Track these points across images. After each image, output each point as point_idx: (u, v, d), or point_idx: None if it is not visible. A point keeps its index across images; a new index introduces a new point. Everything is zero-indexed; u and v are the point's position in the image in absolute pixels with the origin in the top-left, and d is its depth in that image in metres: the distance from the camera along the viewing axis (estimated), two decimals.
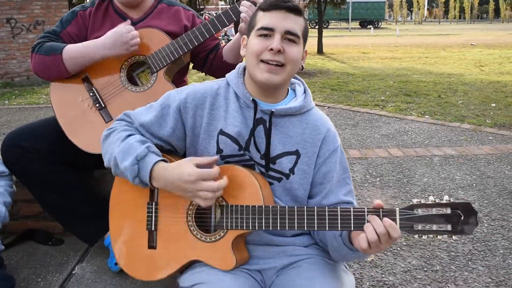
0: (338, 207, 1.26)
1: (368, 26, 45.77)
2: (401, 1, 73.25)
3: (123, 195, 1.48)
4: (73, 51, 1.82)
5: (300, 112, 1.43)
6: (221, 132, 1.41)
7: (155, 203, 1.43)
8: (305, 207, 1.28)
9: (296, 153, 1.42)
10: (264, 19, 1.34)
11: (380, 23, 50.20)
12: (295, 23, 1.34)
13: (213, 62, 2.07)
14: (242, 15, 1.80)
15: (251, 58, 1.37)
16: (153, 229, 1.44)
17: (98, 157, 1.84)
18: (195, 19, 2.06)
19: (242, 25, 1.83)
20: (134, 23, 1.95)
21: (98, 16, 1.95)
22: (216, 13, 2.16)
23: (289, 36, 1.33)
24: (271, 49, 1.31)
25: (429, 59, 13.88)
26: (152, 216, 1.44)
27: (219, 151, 1.41)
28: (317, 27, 15.26)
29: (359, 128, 5.45)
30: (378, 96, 7.45)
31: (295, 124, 1.43)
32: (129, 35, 1.80)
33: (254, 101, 1.39)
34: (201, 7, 25.90)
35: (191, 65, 2.20)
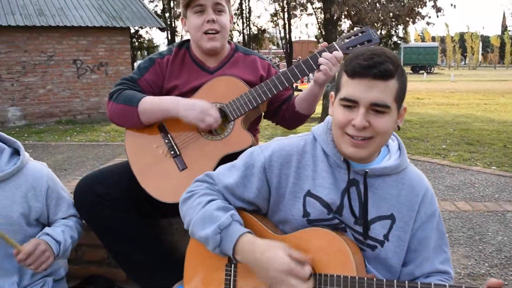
0: (432, 284, 1.11)
1: (421, 71, 45.13)
2: (454, 46, 72.19)
3: (200, 251, 1.40)
4: (148, 106, 1.81)
5: (396, 172, 1.30)
6: (309, 194, 1.31)
7: (234, 266, 1.34)
8: (406, 282, 1.13)
9: (391, 218, 1.28)
10: (348, 86, 1.19)
11: (432, 68, 49.40)
12: (383, 91, 1.16)
13: (285, 113, 2.01)
14: (322, 67, 1.74)
15: (335, 128, 1.26)
16: None
17: (167, 206, 1.80)
18: (270, 68, 2.03)
19: (320, 75, 1.76)
20: (211, 72, 1.93)
21: (175, 64, 1.95)
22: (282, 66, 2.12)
23: (376, 108, 1.17)
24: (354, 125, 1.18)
25: (489, 106, 13.36)
26: (230, 279, 1.34)
27: (305, 214, 1.31)
28: None
29: None
30: (438, 144, 7.16)
31: (391, 185, 1.30)
32: (209, 118, 1.76)
33: (346, 160, 1.28)
34: (255, 51, 26.64)
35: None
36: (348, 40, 1.82)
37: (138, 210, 1.86)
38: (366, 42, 1.80)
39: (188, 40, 2.03)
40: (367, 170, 1.27)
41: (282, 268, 1.16)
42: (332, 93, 1.31)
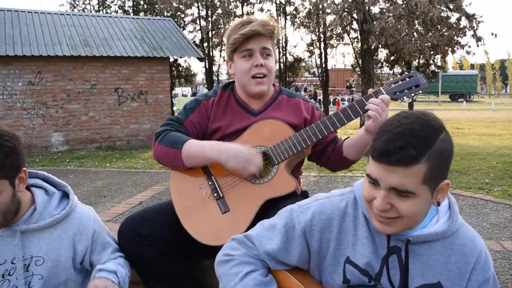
0: None
1: (460, 99, 44.12)
2: (494, 74, 70.38)
3: None
4: (192, 150, 1.83)
5: (443, 237, 1.22)
6: (348, 261, 1.26)
7: None
8: None
9: (438, 286, 1.21)
10: (370, 164, 1.12)
11: (472, 97, 48.24)
12: (405, 177, 1.05)
13: (330, 156, 1.98)
14: (371, 113, 1.71)
15: (364, 201, 1.20)
16: None
17: (210, 248, 1.79)
18: (314, 111, 2.02)
19: (370, 122, 1.73)
20: (255, 114, 1.95)
21: (220, 106, 1.98)
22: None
23: (398, 191, 1.09)
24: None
25: None
26: None
27: (345, 281, 1.26)
28: None
29: (463, 214, 5.01)
30: (481, 178, 6.90)
31: (437, 251, 1.21)
32: (252, 167, 1.76)
33: None
34: (291, 79, 26.82)
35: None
36: (395, 85, 1.80)
37: (181, 250, 1.86)
38: (413, 87, 1.78)
39: (232, 82, 2.06)
40: (409, 238, 1.20)
41: None
42: None
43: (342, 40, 19.55)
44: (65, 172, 8.34)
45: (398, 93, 1.78)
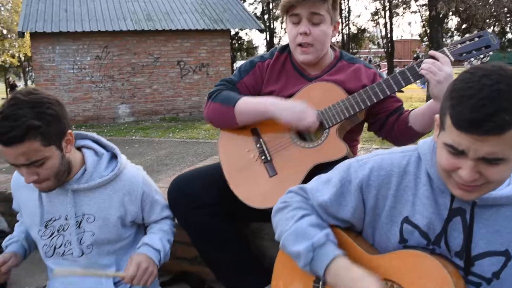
0: None
1: None
2: None
3: (289, 263, 1.34)
4: (245, 106, 1.78)
5: None
6: (407, 221, 1.17)
7: (322, 283, 1.26)
8: None
9: (506, 254, 1.10)
10: (452, 134, 0.97)
11: None
12: (497, 145, 0.93)
13: (393, 126, 1.80)
14: (423, 71, 1.58)
15: (439, 168, 1.07)
16: None
17: (258, 212, 1.76)
18: (376, 78, 1.84)
19: (431, 86, 1.58)
20: (310, 79, 1.85)
21: (275, 69, 1.89)
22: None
23: (487, 160, 0.96)
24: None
25: None
26: None
27: (402, 240, 1.18)
28: None
29: None
30: None
31: (507, 217, 1.10)
32: (307, 120, 1.68)
33: None
34: (354, 51, 26.02)
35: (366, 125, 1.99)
36: (461, 46, 1.62)
37: (229, 212, 1.85)
38: (483, 48, 1.60)
39: None
40: (475, 200, 1.09)
41: None
42: (437, 116, 1.08)
43: (409, 8, 18.57)
44: (131, 141, 8.69)
45: (465, 54, 1.61)
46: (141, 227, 1.79)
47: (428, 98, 5.31)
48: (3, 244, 1.83)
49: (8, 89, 29.94)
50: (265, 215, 1.82)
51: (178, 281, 2.21)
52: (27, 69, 34.71)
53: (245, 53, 30.66)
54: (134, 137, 9.38)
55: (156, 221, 1.74)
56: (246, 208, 1.75)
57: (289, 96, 1.82)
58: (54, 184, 1.48)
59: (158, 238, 1.67)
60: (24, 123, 1.30)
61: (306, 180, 1.62)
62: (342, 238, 1.27)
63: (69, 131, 1.47)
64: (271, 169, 1.74)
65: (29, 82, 34.66)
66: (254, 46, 34.54)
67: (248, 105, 1.78)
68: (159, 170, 5.84)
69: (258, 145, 1.80)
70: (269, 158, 1.76)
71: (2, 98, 30.44)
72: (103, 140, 1.70)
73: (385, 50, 23.13)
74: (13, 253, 1.75)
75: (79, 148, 1.62)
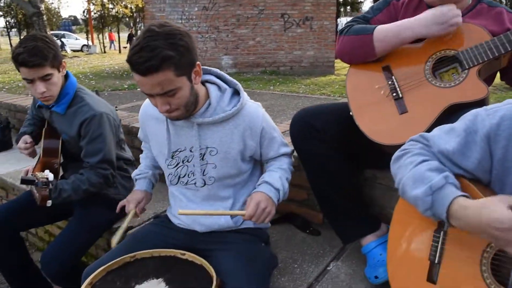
0: None
1: None
2: None
3: (409, 211, 1.30)
4: (385, 31, 1.71)
5: None
6: None
7: (443, 233, 1.21)
8: None
9: None
10: None
11: None
12: None
13: None
14: None
15: None
16: (436, 261, 1.24)
17: (377, 157, 1.72)
18: None
19: None
20: None
21: (410, 8, 1.80)
22: None
23: None
24: None
25: None
26: (437, 246, 1.22)
27: None
28: None
29: None
30: None
31: None
32: (450, 13, 1.59)
33: None
34: (502, 4, 23.64)
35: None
36: None
37: (348, 154, 1.83)
38: None
39: None
40: None
41: (505, 226, 0.99)
42: None
43: None
44: None
45: None
46: (258, 164, 1.84)
47: None
48: (133, 175, 2.02)
49: (127, 39, 32.08)
50: (384, 161, 1.78)
51: (285, 221, 2.27)
52: (137, 20, 36.63)
53: (349, 8, 29.40)
54: None
55: (274, 158, 1.78)
56: (367, 153, 1.73)
57: (423, 37, 1.73)
58: (183, 114, 1.56)
59: (278, 177, 1.70)
60: (160, 54, 1.36)
61: (437, 121, 1.55)
62: (466, 186, 1.19)
63: (198, 62, 1.52)
64: (402, 106, 1.68)
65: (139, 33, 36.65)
66: (360, 1, 32.95)
67: (388, 30, 1.72)
68: None
69: (389, 82, 1.74)
70: (400, 95, 1.69)
71: (124, 47, 32.67)
72: (226, 75, 1.74)
73: None
74: (145, 192, 1.92)
75: (203, 83, 1.68)
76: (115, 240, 1.69)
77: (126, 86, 10.74)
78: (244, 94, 1.70)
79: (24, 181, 1.86)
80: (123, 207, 1.92)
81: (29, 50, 1.88)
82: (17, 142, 2.33)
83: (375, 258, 1.73)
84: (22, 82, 12.42)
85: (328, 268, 1.86)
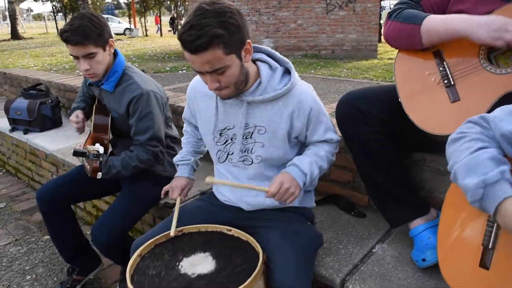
0: None
1: None
2: None
3: (461, 198, 1.26)
4: (434, 23, 1.62)
5: None
6: None
7: (497, 224, 1.17)
8: None
9: None
10: None
11: None
12: None
13: None
14: None
15: None
16: (490, 247, 1.20)
17: (427, 141, 1.66)
18: None
19: None
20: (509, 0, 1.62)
21: None
22: None
23: None
24: None
25: None
26: (492, 232, 1.19)
27: None
28: None
29: None
30: None
31: None
32: (508, 34, 1.46)
33: None
34: None
35: None
36: None
37: (395, 137, 1.78)
38: None
39: None
40: None
41: None
42: None
43: None
44: None
45: None
46: (304, 146, 1.82)
47: None
48: (174, 160, 2.05)
49: (170, 22, 32.46)
50: (432, 146, 1.72)
51: (329, 202, 2.26)
52: (178, 3, 36.88)
53: None
54: None
55: (317, 142, 1.76)
56: (416, 136, 1.67)
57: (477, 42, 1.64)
58: (233, 92, 1.56)
59: (308, 162, 1.67)
60: (209, 32, 1.36)
61: (492, 110, 1.48)
62: None
63: (248, 40, 1.51)
64: (454, 94, 1.60)
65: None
66: None
67: (437, 22, 1.62)
68: None
69: (441, 68, 1.66)
70: (452, 83, 1.62)
71: (169, 31, 33.06)
72: (277, 54, 1.72)
73: None
74: (187, 179, 1.97)
75: (253, 62, 1.66)
76: (172, 231, 1.71)
77: (168, 69, 10.91)
78: (295, 74, 1.67)
79: (76, 153, 1.93)
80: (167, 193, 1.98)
81: (73, 28, 1.93)
82: (69, 116, 2.42)
83: (423, 241, 1.69)
84: (69, 64, 12.83)
85: (374, 250, 1.84)
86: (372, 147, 1.75)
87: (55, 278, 2.61)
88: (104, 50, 2.06)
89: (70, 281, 2.44)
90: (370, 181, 1.85)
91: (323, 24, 12.64)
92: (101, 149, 1.94)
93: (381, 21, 15.71)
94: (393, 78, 1.78)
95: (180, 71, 10.58)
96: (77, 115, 2.36)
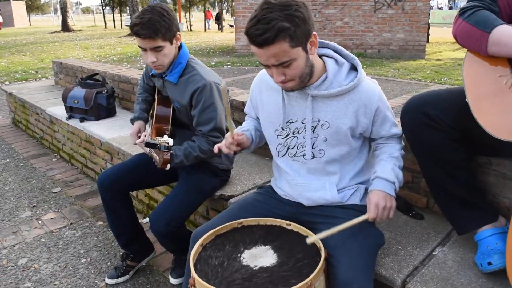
0: None
1: None
2: None
3: None
4: (503, 37, 1.54)
5: None
6: None
7: None
8: None
9: None
10: None
11: None
12: None
13: None
14: None
15: None
16: None
17: (496, 147, 1.60)
18: None
19: None
20: None
21: None
22: None
23: None
24: None
25: None
26: None
27: None
28: None
29: None
30: None
31: None
32: None
33: None
34: None
35: None
36: None
37: (463, 141, 1.72)
38: None
39: None
40: None
41: None
42: None
43: None
44: None
45: None
46: (366, 141, 1.80)
47: None
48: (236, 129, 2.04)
49: (215, 18, 32.83)
50: (500, 151, 1.65)
51: None
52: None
53: None
54: None
55: (384, 138, 1.74)
56: (484, 141, 1.61)
57: None
58: (298, 85, 1.56)
59: (390, 168, 1.66)
60: (275, 26, 1.37)
61: None
62: None
63: (314, 33, 1.50)
64: None
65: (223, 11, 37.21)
66: None
67: (507, 37, 1.54)
68: None
69: None
70: None
71: (230, 26, 33.41)
72: (344, 50, 1.70)
73: None
74: (244, 135, 1.84)
75: (320, 57, 1.66)
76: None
77: (213, 63, 11.01)
78: (362, 70, 1.66)
79: (148, 144, 1.97)
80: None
81: (143, 22, 1.97)
82: (131, 122, 2.48)
83: (490, 246, 1.64)
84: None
85: (434, 253, 1.80)
86: (441, 153, 1.70)
87: (108, 263, 2.69)
88: (171, 43, 2.10)
89: (124, 266, 2.51)
90: (437, 185, 1.80)
91: (370, 22, 12.43)
92: (170, 141, 1.98)
93: (428, 21, 15.27)
94: (461, 79, 1.73)
95: (225, 66, 10.66)
96: (137, 133, 2.41)
